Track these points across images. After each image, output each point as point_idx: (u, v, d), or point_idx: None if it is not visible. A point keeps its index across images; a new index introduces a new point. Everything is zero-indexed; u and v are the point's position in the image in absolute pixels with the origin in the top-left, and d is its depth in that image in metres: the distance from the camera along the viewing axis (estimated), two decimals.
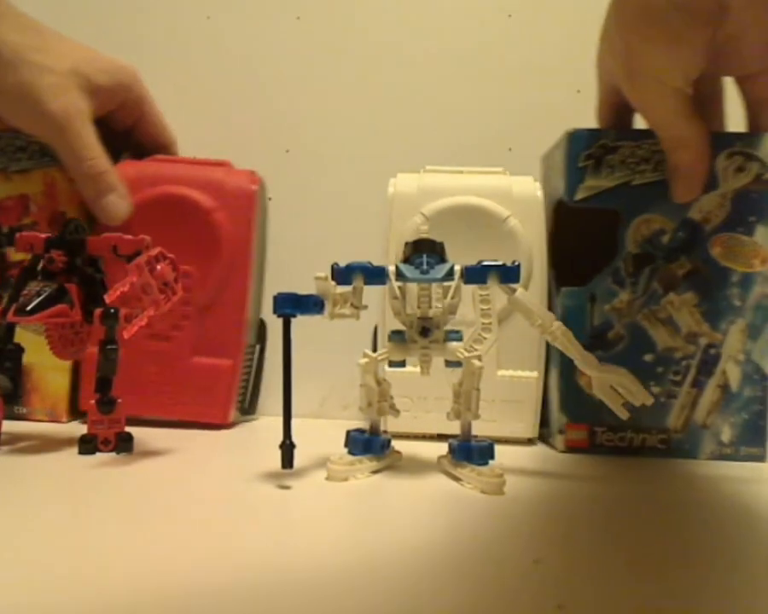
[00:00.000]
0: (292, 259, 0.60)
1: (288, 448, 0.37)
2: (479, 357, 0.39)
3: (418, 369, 0.41)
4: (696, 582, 0.26)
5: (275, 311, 0.38)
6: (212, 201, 0.53)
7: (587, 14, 0.49)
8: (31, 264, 0.44)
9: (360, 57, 0.69)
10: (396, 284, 0.40)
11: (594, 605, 0.24)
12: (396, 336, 0.41)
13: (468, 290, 0.42)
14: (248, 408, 0.57)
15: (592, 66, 0.51)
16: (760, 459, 0.47)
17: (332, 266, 0.40)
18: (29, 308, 0.41)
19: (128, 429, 0.43)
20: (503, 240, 0.49)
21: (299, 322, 0.38)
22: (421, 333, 0.40)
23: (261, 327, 0.57)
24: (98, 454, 0.42)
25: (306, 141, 0.67)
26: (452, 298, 0.40)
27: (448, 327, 0.40)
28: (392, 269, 0.40)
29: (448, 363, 0.41)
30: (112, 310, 0.43)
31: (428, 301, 0.40)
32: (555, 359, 0.49)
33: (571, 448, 0.48)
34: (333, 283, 0.39)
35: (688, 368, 0.48)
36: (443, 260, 0.40)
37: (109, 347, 0.43)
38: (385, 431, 0.42)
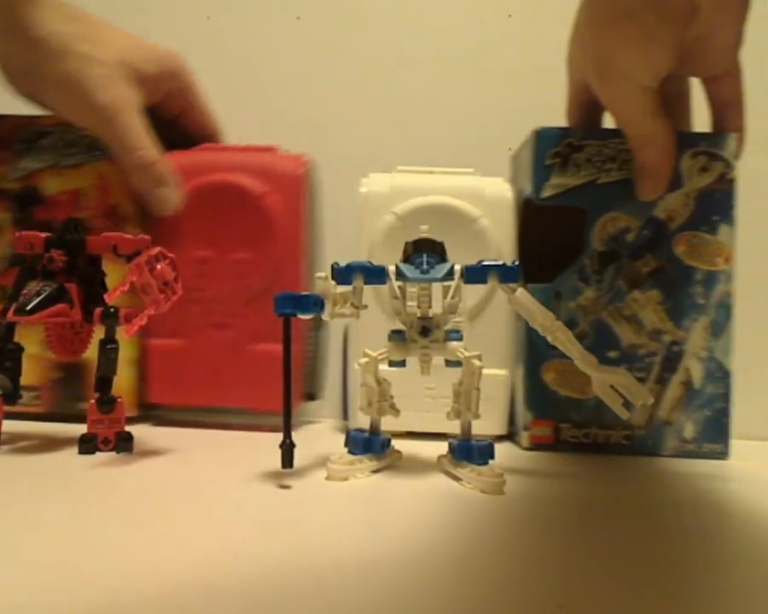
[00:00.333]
0: None
1: (288, 448, 0.37)
2: (479, 357, 0.39)
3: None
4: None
5: (275, 311, 0.38)
6: (262, 186, 0.52)
7: None
8: (31, 264, 0.44)
9: (360, 57, 0.69)
10: (396, 284, 0.40)
11: (593, 605, 0.24)
12: (396, 336, 0.41)
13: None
14: (313, 393, 0.56)
15: None
16: (723, 456, 0.48)
17: (332, 266, 0.40)
18: (29, 307, 0.41)
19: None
20: (473, 240, 0.49)
21: None
22: (422, 332, 0.40)
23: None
24: (98, 454, 0.42)
25: (306, 141, 0.67)
26: (452, 297, 0.40)
27: (448, 327, 0.40)
28: (392, 268, 0.40)
29: (448, 363, 0.41)
30: (112, 310, 0.43)
31: (428, 301, 0.40)
32: (521, 356, 0.49)
33: (536, 445, 0.48)
34: (333, 283, 0.39)
35: (651, 365, 0.48)
36: (443, 260, 0.40)
37: (109, 347, 0.43)
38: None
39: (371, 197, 0.52)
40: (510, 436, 0.51)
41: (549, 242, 0.49)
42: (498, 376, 0.50)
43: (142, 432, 0.47)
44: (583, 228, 0.48)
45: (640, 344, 0.48)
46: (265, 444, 0.40)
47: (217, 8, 0.70)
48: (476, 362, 0.39)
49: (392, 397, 0.41)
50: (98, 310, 0.43)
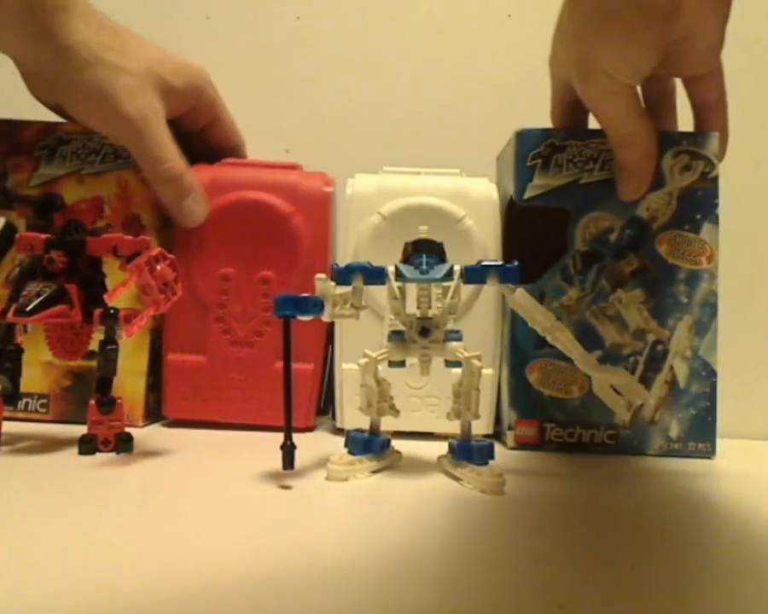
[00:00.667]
0: None
1: (288, 450, 0.37)
2: (478, 357, 0.39)
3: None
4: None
5: (275, 313, 0.38)
6: (288, 206, 0.52)
7: None
8: (31, 265, 0.44)
9: (360, 57, 0.69)
10: (395, 284, 0.40)
11: (593, 604, 0.24)
12: (396, 336, 0.41)
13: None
14: (324, 409, 0.56)
15: None
16: (709, 454, 0.48)
17: (332, 266, 0.40)
18: (29, 308, 0.41)
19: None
20: (458, 240, 0.49)
21: None
22: (421, 333, 0.40)
23: (330, 327, 0.56)
24: (98, 455, 0.42)
25: (306, 140, 0.68)
26: (452, 298, 0.40)
27: (447, 327, 0.40)
28: (391, 269, 0.40)
29: (448, 363, 0.41)
30: (112, 310, 0.43)
31: (428, 301, 0.40)
32: (505, 356, 0.49)
33: (521, 445, 0.48)
34: (332, 284, 0.39)
35: (636, 365, 0.48)
36: (442, 260, 0.40)
37: (109, 347, 0.43)
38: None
39: (356, 198, 0.52)
40: (496, 435, 0.51)
41: (532, 242, 0.49)
42: (484, 376, 0.50)
43: (141, 433, 0.47)
44: (566, 229, 0.48)
45: (624, 343, 0.48)
46: (266, 445, 0.40)
47: (217, 8, 0.70)
48: (476, 363, 0.39)
49: (391, 398, 0.42)
50: (98, 311, 0.43)
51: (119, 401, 0.43)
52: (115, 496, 0.35)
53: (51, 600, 0.22)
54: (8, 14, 0.45)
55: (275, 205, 0.52)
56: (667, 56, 0.45)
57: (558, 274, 0.48)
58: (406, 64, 0.69)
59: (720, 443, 0.48)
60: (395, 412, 0.42)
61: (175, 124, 0.52)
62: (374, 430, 0.41)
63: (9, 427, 0.44)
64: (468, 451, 0.39)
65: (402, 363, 0.41)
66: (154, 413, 0.53)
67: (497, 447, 0.49)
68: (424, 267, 0.39)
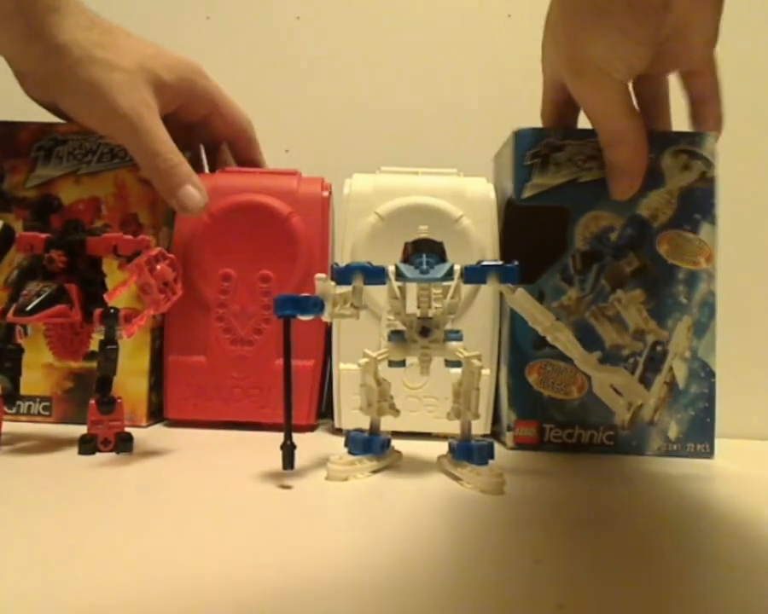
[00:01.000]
0: None
1: (288, 449, 0.37)
2: (478, 357, 0.39)
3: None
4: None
5: (275, 313, 0.38)
6: (287, 206, 0.53)
7: None
8: (30, 265, 0.44)
9: (360, 57, 0.69)
10: (395, 284, 0.40)
11: (593, 605, 0.24)
12: (396, 336, 0.41)
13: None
14: (325, 410, 0.56)
15: None
16: (708, 455, 0.48)
17: (332, 266, 0.40)
18: (29, 308, 0.41)
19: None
20: (455, 240, 0.49)
21: None
22: (421, 332, 0.40)
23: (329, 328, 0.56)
24: (98, 454, 0.42)
25: (306, 140, 0.68)
26: (452, 297, 0.40)
27: (448, 327, 0.40)
28: (391, 268, 0.40)
29: (448, 363, 0.41)
30: (112, 310, 0.43)
31: (428, 301, 0.40)
32: (505, 356, 0.49)
33: (520, 445, 0.48)
34: (332, 283, 0.39)
35: (635, 365, 0.48)
36: (443, 260, 0.39)
37: (109, 347, 0.43)
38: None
39: (354, 197, 0.52)
40: (493, 435, 0.51)
41: (532, 242, 0.49)
42: (482, 376, 0.50)
43: (141, 433, 0.47)
44: (565, 228, 0.48)
45: (623, 344, 0.48)
46: (266, 445, 0.40)
47: (217, 8, 0.70)
48: (476, 362, 0.39)
49: (391, 398, 0.42)
50: (98, 311, 0.43)
51: (119, 400, 0.43)
52: (115, 496, 0.35)
53: (51, 600, 0.22)
54: None
55: (274, 205, 0.53)
56: (661, 51, 0.45)
57: (558, 274, 0.48)
58: (405, 64, 0.69)
59: (719, 444, 0.48)
60: (395, 411, 0.42)
61: (173, 117, 0.52)
62: (374, 429, 0.41)
63: (9, 427, 0.44)
64: (468, 451, 0.39)
65: (402, 363, 0.41)
66: (158, 412, 0.53)
67: (497, 447, 0.49)
68: (424, 267, 0.39)
